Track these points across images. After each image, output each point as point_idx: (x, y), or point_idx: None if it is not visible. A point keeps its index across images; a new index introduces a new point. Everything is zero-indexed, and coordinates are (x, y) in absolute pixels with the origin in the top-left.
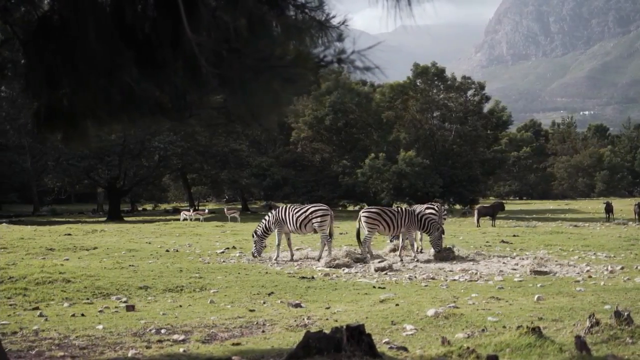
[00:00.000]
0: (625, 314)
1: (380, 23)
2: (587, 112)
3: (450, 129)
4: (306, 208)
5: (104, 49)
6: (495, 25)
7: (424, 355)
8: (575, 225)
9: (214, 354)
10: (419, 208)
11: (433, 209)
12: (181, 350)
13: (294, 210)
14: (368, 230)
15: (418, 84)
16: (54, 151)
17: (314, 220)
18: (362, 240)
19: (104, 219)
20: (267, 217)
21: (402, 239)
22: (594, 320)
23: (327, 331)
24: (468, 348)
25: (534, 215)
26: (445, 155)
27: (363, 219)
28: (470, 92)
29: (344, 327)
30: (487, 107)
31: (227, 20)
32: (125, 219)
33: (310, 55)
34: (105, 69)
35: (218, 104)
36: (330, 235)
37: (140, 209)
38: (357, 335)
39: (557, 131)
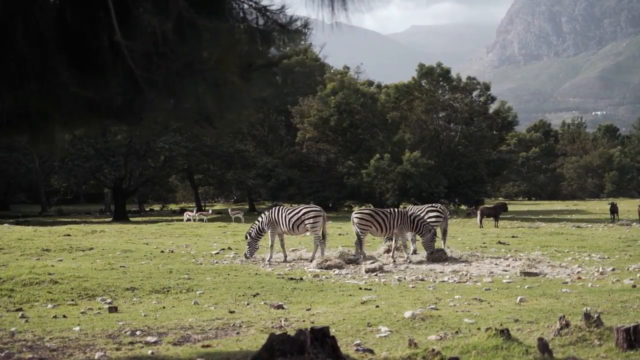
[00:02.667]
0: (595, 316)
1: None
2: (599, 113)
3: (456, 130)
4: (299, 209)
5: (32, 51)
6: (507, 25)
7: (388, 358)
8: (578, 226)
9: (181, 356)
10: (413, 208)
11: (436, 210)
12: (149, 352)
13: (287, 211)
14: (360, 232)
15: (423, 84)
16: (59, 151)
17: (306, 222)
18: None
19: (110, 219)
20: (260, 219)
21: (395, 240)
22: (564, 322)
23: (291, 333)
24: (433, 350)
25: (540, 216)
26: (451, 155)
27: (355, 221)
28: (475, 93)
29: (308, 329)
30: (492, 107)
31: (155, 24)
32: (131, 219)
33: (236, 59)
34: (36, 72)
35: (168, 106)
36: (324, 236)
37: (147, 209)
38: (320, 337)
39: (567, 131)
